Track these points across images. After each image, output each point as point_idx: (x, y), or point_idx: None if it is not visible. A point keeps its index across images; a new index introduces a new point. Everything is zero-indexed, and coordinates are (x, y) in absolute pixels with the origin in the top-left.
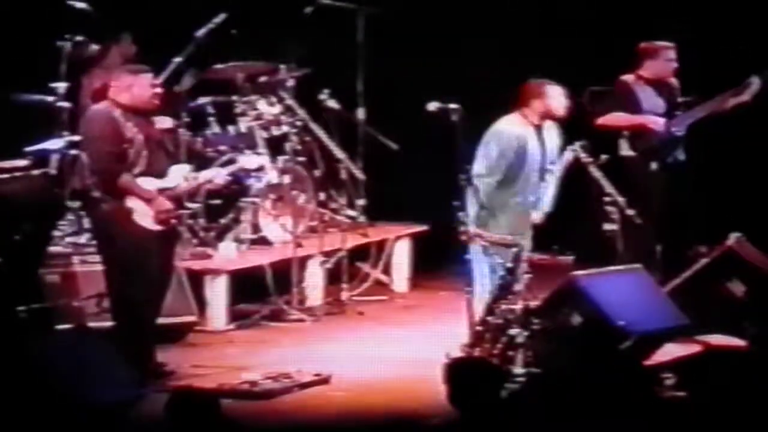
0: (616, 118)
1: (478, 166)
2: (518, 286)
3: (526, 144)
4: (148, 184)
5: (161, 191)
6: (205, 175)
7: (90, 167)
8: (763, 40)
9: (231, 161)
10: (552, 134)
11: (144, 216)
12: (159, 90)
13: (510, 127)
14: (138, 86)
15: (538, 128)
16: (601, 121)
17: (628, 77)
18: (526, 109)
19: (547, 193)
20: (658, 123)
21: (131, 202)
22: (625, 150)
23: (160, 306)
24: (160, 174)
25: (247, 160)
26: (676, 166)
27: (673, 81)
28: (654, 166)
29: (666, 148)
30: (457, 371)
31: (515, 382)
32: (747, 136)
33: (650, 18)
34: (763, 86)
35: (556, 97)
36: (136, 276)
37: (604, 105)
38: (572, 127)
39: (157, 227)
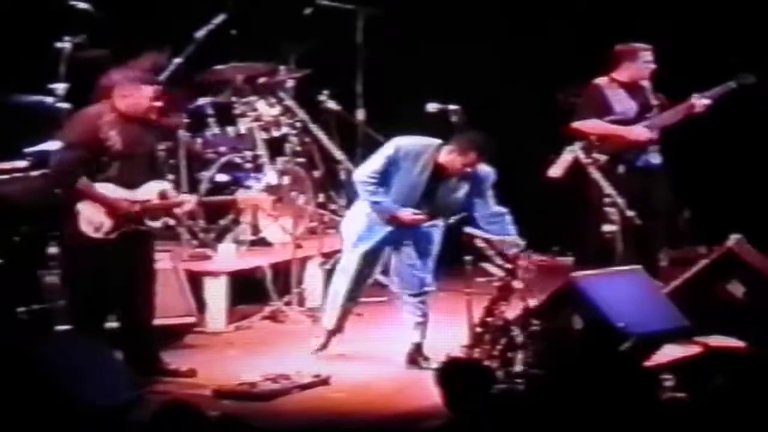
0: (594, 126)
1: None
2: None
3: None
4: (109, 190)
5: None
6: (178, 197)
7: (52, 165)
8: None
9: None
10: None
11: (88, 223)
12: (158, 104)
13: None
14: (137, 96)
15: None
16: (578, 126)
17: (601, 80)
18: None
19: None
20: (640, 135)
21: (81, 206)
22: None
23: (135, 308)
24: (132, 185)
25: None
26: (647, 169)
27: (646, 83)
28: (621, 169)
29: (633, 152)
30: (447, 375)
31: (515, 383)
32: (747, 137)
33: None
34: (715, 101)
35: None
36: (81, 280)
37: (575, 108)
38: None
39: (97, 235)
